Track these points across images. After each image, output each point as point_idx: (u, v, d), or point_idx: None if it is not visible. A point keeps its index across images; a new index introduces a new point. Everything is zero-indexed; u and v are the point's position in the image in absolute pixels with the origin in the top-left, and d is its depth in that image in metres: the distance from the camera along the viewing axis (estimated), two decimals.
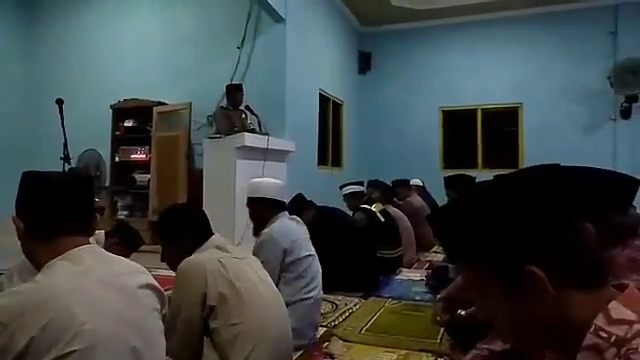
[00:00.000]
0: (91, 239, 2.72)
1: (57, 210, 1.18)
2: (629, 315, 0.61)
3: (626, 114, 7.49)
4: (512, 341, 0.73)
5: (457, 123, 8.72)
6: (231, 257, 1.76)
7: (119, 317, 1.11)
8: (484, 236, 0.67)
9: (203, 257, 1.73)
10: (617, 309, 0.62)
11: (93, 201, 1.29)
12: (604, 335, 0.61)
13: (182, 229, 1.87)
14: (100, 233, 2.76)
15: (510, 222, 0.66)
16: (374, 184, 5.27)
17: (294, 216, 2.72)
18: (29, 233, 1.17)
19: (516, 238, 0.65)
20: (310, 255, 2.59)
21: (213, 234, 1.89)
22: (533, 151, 7.83)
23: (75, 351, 1.01)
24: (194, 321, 1.65)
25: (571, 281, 0.65)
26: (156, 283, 1.27)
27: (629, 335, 0.59)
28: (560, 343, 0.68)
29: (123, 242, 2.82)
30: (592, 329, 0.61)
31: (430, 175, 7.21)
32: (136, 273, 1.24)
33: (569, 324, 0.64)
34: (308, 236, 2.70)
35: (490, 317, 0.72)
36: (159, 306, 1.27)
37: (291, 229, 2.56)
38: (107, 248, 2.67)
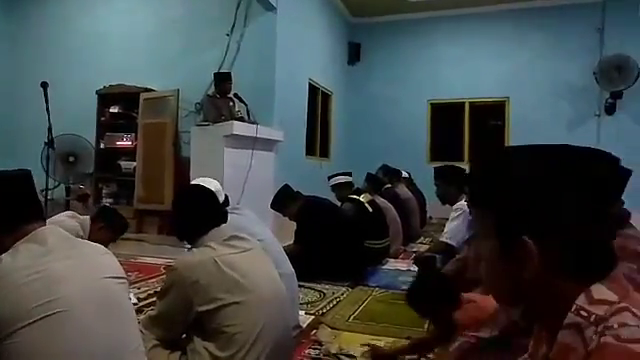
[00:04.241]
0: (76, 223, 2.67)
1: (15, 204, 1.25)
2: (611, 296, 0.62)
3: (611, 110, 7.61)
4: (490, 291, 0.77)
5: (445, 116, 8.78)
6: (232, 254, 1.65)
7: (85, 288, 1.18)
8: (509, 191, 0.67)
9: (198, 259, 1.63)
10: (599, 290, 0.63)
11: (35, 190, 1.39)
12: (584, 314, 0.61)
13: (191, 209, 1.80)
14: (85, 219, 2.74)
15: (544, 190, 0.65)
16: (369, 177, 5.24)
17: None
18: None
19: (536, 207, 0.65)
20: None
21: (224, 221, 1.78)
22: None
23: (41, 319, 1.08)
24: (177, 319, 1.62)
25: (566, 273, 0.65)
26: (117, 263, 1.36)
27: (608, 314, 0.60)
28: (543, 321, 0.69)
29: (109, 227, 2.80)
30: (573, 308, 0.62)
31: (417, 167, 7.23)
32: (101, 253, 1.34)
33: (551, 301, 0.66)
34: None
35: (479, 262, 0.75)
36: (124, 281, 1.34)
37: None
38: (93, 233, 2.64)
